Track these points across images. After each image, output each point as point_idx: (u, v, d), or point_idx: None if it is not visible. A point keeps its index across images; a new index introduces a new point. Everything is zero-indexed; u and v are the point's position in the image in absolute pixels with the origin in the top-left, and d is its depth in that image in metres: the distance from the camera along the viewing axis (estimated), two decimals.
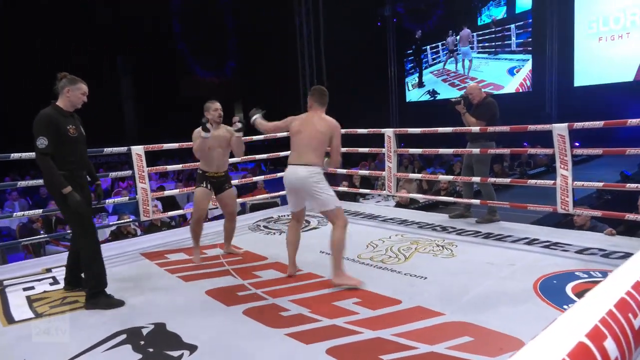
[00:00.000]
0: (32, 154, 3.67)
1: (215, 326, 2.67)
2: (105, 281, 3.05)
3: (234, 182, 7.04)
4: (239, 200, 6.67)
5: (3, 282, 3.54)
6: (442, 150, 5.55)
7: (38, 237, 5.43)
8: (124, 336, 2.57)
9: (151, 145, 4.70)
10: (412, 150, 5.67)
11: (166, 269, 3.72)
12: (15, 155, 3.89)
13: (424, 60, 16.25)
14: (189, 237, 4.59)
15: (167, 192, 5.86)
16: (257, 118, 3.51)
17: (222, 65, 20.44)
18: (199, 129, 3.69)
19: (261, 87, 17.50)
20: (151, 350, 2.41)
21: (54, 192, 2.96)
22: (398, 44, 16.59)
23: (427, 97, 16.20)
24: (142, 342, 2.50)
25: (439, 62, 15.92)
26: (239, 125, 3.74)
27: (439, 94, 15.83)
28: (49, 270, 3.82)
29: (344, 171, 6.84)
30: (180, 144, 4.92)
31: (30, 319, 2.88)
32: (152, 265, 3.86)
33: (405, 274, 3.30)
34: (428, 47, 16.20)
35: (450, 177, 5.72)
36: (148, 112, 18.69)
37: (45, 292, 3.34)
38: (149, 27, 17.08)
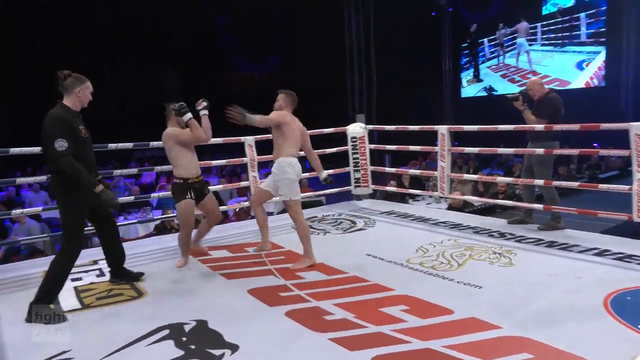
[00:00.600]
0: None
1: (257, 326, 2.72)
2: (55, 297, 2.99)
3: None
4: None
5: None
6: (501, 150, 5.38)
7: (87, 228, 5.70)
8: (166, 331, 2.68)
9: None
10: (467, 149, 5.53)
11: (209, 266, 3.83)
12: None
13: (481, 53, 15.73)
14: (232, 233, 4.76)
15: (211, 188, 6.01)
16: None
17: (264, 59, 20.73)
18: (172, 127, 3.65)
19: (306, 81, 17.63)
20: (193, 347, 2.49)
21: (62, 193, 2.95)
22: (454, 35, 16.16)
23: (484, 94, 15.72)
24: (184, 339, 2.59)
25: (500, 55, 15.38)
26: (205, 103, 3.71)
27: (496, 90, 15.30)
28: (95, 262, 4.03)
29: (392, 170, 6.78)
30: (225, 139, 5.04)
31: (77, 309, 3.06)
32: (195, 261, 3.98)
33: (458, 282, 3.23)
34: (486, 39, 15.67)
35: (509, 179, 5.52)
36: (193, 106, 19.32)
37: (92, 283, 3.53)
38: (191, 21, 17.62)
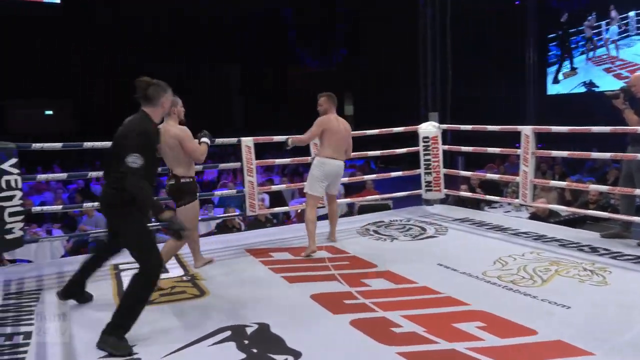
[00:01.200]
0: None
1: (321, 334, 2.74)
2: (131, 325, 2.69)
3: (344, 179, 7.16)
4: (347, 200, 6.80)
5: (119, 266, 4.01)
6: (595, 155, 5.05)
7: (151, 224, 6.02)
8: (228, 333, 2.76)
9: (261, 138, 4.96)
10: (555, 153, 5.25)
11: (270, 268, 3.91)
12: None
13: (581, 43, 14.62)
14: (295, 235, 4.82)
15: (274, 187, 6.15)
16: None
17: (329, 53, 20.87)
18: (174, 124, 3.53)
19: (374, 77, 17.53)
20: (255, 350, 2.55)
21: (125, 209, 2.70)
22: (540, 25, 15.35)
23: (580, 89, 14.72)
24: (246, 342, 2.66)
25: (600, 46, 14.30)
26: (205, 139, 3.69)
27: (597, 86, 14.19)
28: None
29: (468, 174, 6.59)
30: (289, 136, 5.11)
31: None
32: (257, 262, 4.08)
33: (542, 300, 3.07)
34: (586, 25, 14.50)
35: (604, 187, 5.17)
36: (255, 103, 19.86)
37: None
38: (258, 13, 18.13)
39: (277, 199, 7.71)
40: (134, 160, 2.58)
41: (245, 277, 3.75)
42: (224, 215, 6.16)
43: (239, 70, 20.70)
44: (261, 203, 5.64)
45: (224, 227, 6.30)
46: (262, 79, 20.24)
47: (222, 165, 5.63)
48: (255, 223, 6.28)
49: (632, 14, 13.77)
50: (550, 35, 15.44)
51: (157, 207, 2.82)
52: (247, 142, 4.83)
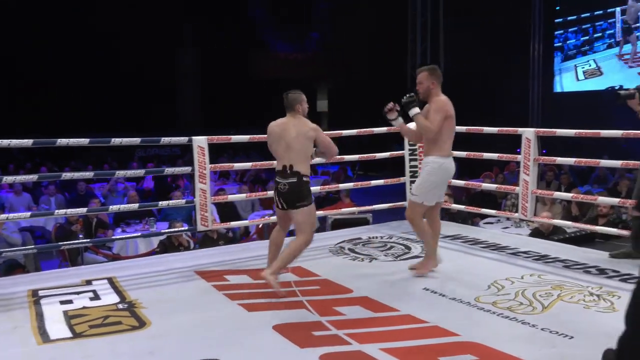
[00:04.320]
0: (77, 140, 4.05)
1: None
2: None
3: (316, 188, 7.24)
4: (319, 213, 6.86)
5: (38, 292, 3.97)
6: (604, 162, 5.27)
7: (78, 241, 5.97)
8: None
9: (217, 137, 4.98)
10: (559, 160, 5.44)
11: (225, 294, 3.93)
12: (62, 141, 4.32)
13: (607, 32, 14.59)
14: (255, 255, 4.86)
15: (231, 197, 6.17)
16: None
17: (303, 37, 21.00)
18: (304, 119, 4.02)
19: (353, 66, 17.72)
20: None
21: None
22: (546, 13, 15.74)
23: (592, 87, 14.75)
24: None
25: (616, 40, 14.39)
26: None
27: (621, 85, 14.16)
28: (89, 282, 4.21)
29: (461, 183, 6.75)
30: (252, 136, 5.15)
31: (67, 338, 3.21)
32: (209, 287, 4.10)
33: (542, 329, 3.19)
34: (617, 9, 14.31)
35: (614, 200, 5.40)
36: (210, 94, 19.76)
37: (84, 307, 3.69)
38: None
39: (231, 212, 7.73)
40: None
41: (194, 304, 3.76)
42: (169, 230, 6.15)
43: (193, 55, 20.57)
44: (212, 216, 5.65)
45: (169, 245, 6.28)
46: (221, 66, 20.17)
47: (169, 170, 5.62)
48: (207, 240, 6.29)
49: None
50: (558, 20, 15.55)
51: None
52: (200, 142, 4.85)
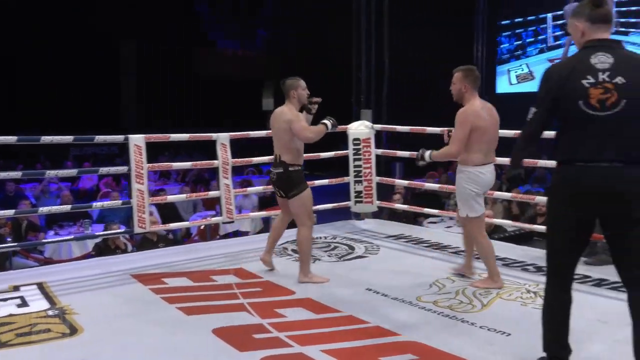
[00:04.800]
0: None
1: None
2: None
3: (259, 188, 7.20)
4: (262, 213, 6.86)
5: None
6: (542, 162, 5.45)
7: (5, 245, 5.74)
8: None
9: (154, 135, 4.91)
10: (498, 160, 5.57)
11: (163, 297, 3.86)
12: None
13: (539, 37, 15.22)
14: (195, 257, 4.80)
15: (170, 197, 6.07)
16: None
17: (251, 34, 20.87)
18: (292, 107, 4.09)
19: (301, 62, 17.72)
20: None
21: None
22: (491, 12, 16.17)
23: (524, 90, 15.38)
24: None
25: (547, 45, 15.07)
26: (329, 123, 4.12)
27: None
28: (16, 288, 4.05)
29: (404, 182, 6.86)
30: (192, 135, 5.09)
31: None
32: (146, 290, 4.02)
33: (480, 327, 3.28)
34: (549, 15, 14.99)
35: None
36: (152, 91, 19.36)
37: (10, 315, 3.55)
38: None
39: (171, 213, 7.61)
40: None
41: (130, 309, 3.67)
42: (105, 232, 5.99)
43: (134, 50, 20.06)
44: (152, 217, 5.54)
45: (105, 248, 6.12)
46: (163, 62, 19.78)
47: (104, 170, 5.46)
48: (145, 242, 6.18)
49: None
50: (502, 22, 16.04)
51: None
52: (137, 140, 4.74)
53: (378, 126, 6.30)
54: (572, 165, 2.43)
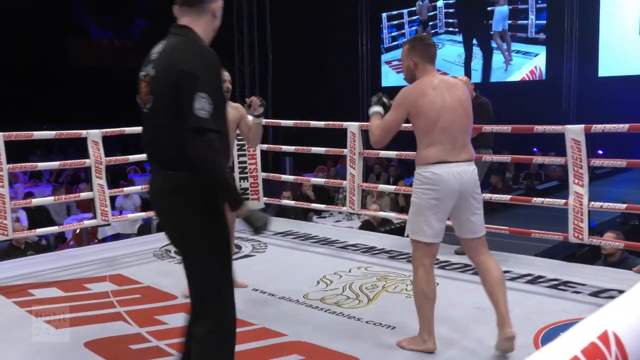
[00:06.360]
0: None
1: None
2: None
3: (138, 188, 6.93)
4: (142, 214, 6.60)
5: None
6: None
7: None
8: None
9: (15, 133, 4.61)
10: (382, 153, 5.75)
11: (28, 310, 3.62)
12: None
13: (414, 28, 16.18)
14: (66, 265, 4.53)
15: (36, 201, 5.68)
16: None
17: (128, 23, 20.16)
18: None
19: None
20: None
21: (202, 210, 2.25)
22: (372, 6, 16.71)
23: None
24: None
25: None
26: (261, 110, 3.84)
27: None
28: None
29: (291, 178, 6.89)
30: (59, 132, 4.79)
31: None
32: (9, 303, 3.77)
33: (367, 322, 3.36)
34: (406, 11, 16.12)
35: None
36: (17, 84, 18.10)
37: None
38: None
39: (42, 217, 7.15)
40: (204, 107, 1.98)
41: None
42: None
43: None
44: (17, 223, 5.16)
45: None
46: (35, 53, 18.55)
47: None
48: (12, 251, 5.75)
49: (440, 3, 15.56)
50: (385, 13, 16.69)
51: (237, 192, 2.27)
52: None
53: (263, 120, 6.24)
54: None
